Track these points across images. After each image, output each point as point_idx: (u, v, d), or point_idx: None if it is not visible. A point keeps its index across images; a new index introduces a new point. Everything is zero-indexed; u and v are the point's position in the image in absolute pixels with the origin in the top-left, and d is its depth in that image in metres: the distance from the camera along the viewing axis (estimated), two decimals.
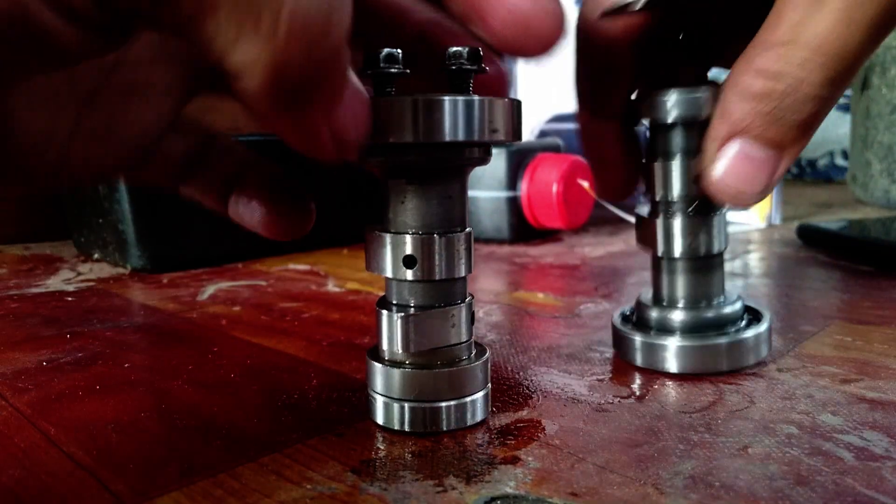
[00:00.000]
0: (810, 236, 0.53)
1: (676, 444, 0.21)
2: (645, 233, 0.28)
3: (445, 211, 0.22)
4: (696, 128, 0.26)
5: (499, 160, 0.58)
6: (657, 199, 0.27)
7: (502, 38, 0.19)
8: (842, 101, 0.97)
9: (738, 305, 0.28)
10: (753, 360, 0.27)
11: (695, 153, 0.26)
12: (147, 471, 0.20)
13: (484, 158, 0.22)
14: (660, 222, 0.27)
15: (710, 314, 0.27)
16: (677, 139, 0.26)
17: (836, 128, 1.03)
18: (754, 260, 0.51)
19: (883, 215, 0.64)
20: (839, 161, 1.04)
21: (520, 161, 0.58)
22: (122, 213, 0.50)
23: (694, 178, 0.26)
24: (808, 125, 0.22)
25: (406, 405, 0.22)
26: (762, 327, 0.27)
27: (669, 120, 0.26)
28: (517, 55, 0.20)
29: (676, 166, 0.26)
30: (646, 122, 0.27)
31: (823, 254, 0.50)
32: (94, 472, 0.20)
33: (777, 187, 0.63)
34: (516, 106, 0.21)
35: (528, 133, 0.74)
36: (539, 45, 0.19)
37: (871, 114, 0.73)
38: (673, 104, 0.26)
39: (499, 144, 0.26)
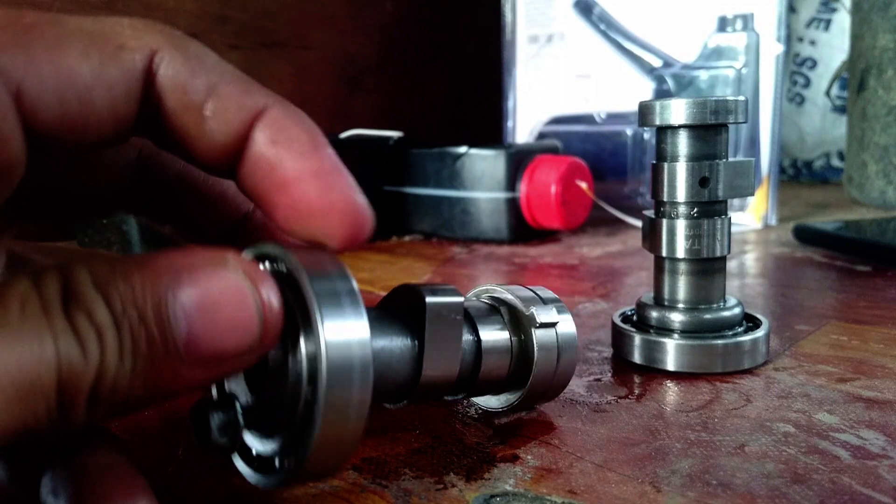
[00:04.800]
0: (806, 237, 0.53)
1: (674, 443, 0.21)
2: (649, 233, 0.28)
3: None
4: (701, 131, 0.26)
5: (498, 161, 0.58)
6: (663, 200, 0.27)
7: (291, 232, 0.17)
8: (838, 102, 0.97)
9: (737, 311, 0.28)
10: (749, 365, 0.27)
11: (699, 156, 0.26)
12: (149, 470, 0.20)
13: None
14: (664, 223, 0.27)
15: (708, 316, 0.27)
16: (682, 142, 0.27)
17: (832, 129, 1.03)
18: (751, 260, 0.51)
19: (879, 216, 0.64)
20: (835, 162, 1.04)
21: (519, 162, 0.58)
22: (126, 214, 0.50)
23: None
24: None
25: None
26: (759, 333, 0.27)
27: (675, 123, 0.26)
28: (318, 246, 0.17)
29: (681, 168, 0.27)
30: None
31: (820, 254, 0.50)
32: None
33: (773, 189, 0.63)
34: None
35: (527, 134, 0.75)
36: (335, 241, 0.17)
37: (867, 115, 0.73)
38: (680, 108, 0.26)
39: None
